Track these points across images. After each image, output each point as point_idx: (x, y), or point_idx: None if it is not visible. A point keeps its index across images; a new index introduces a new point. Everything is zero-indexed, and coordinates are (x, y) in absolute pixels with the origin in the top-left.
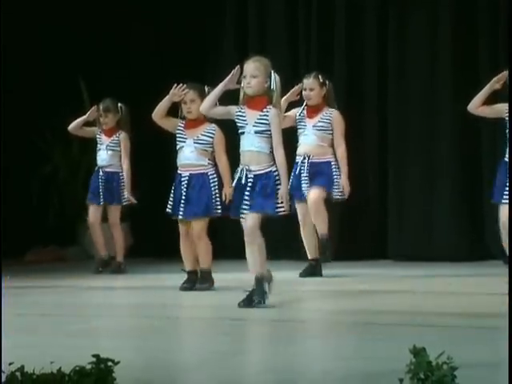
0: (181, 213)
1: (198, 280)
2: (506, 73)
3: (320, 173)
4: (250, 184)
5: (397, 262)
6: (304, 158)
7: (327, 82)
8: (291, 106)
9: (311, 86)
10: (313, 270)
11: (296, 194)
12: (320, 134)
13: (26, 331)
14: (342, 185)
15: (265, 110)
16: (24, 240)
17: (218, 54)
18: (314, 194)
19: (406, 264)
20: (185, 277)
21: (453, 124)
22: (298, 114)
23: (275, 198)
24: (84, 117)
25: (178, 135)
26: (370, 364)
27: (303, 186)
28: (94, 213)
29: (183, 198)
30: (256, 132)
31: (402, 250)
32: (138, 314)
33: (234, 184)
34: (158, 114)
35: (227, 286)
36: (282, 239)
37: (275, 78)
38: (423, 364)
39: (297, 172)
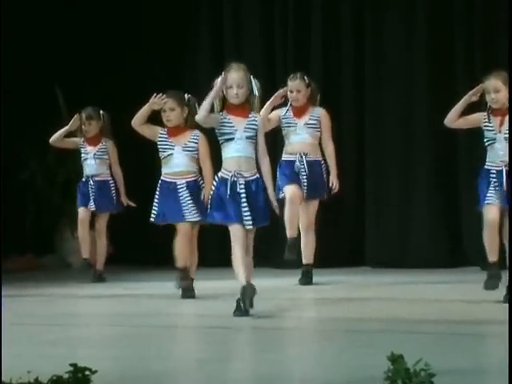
0: (188, 217)
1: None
2: (481, 86)
3: (315, 176)
4: (242, 191)
5: (375, 269)
6: (301, 157)
7: (311, 82)
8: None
9: (298, 87)
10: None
11: (291, 180)
12: (312, 132)
13: (2, 340)
14: (331, 182)
15: (251, 116)
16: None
17: (195, 55)
18: (313, 207)
19: (384, 271)
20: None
21: (430, 131)
22: (282, 115)
23: (268, 206)
24: (66, 127)
25: (162, 143)
26: (349, 371)
27: (302, 180)
28: (83, 215)
29: (185, 203)
30: (247, 138)
31: (380, 257)
32: (117, 322)
33: (215, 188)
34: (137, 121)
35: (210, 294)
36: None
37: (256, 84)
38: (401, 371)
39: (296, 170)
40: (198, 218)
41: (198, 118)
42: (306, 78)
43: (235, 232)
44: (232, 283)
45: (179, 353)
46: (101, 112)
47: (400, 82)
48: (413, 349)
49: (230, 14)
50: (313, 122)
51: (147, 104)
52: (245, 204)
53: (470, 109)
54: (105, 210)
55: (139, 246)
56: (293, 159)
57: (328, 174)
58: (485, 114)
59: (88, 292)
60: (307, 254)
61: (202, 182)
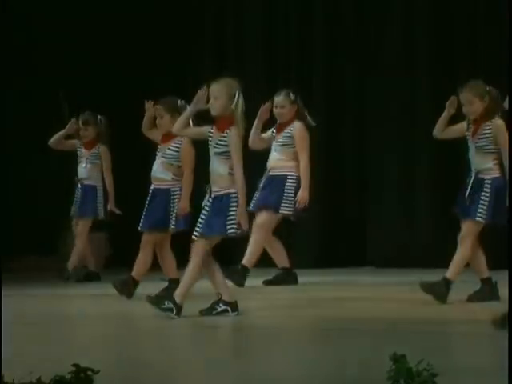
0: (140, 224)
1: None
2: (454, 98)
3: (272, 189)
4: (208, 205)
5: (377, 268)
6: (267, 172)
7: (298, 98)
8: (270, 124)
9: (282, 103)
10: (284, 279)
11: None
12: (280, 149)
13: (4, 341)
14: (298, 196)
15: (226, 130)
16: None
17: (197, 65)
18: (261, 218)
19: (386, 271)
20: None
21: (431, 130)
22: (272, 133)
23: (227, 218)
24: (64, 130)
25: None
26: (352, 371)
27: (255, 196)
28: (76, 225)
29: (144, 209)
30: (215, 153)
31: (382, 256)
32: (119, 323)
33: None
34: (144, 127)
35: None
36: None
37: (238, 99)
38: (403, 371)
39: (260, 185)
40: (146, 228)
41: (173, 129)
42: (291, 94)
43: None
44: (229, 283)
45: (181, 354)
46: (99, 117)
47: (403, 91)
48: (415, 348)
49: (232, 26)
50: (283, 139)
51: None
52: (202, 216)
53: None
54: (85, 217)
55: (137, 248)
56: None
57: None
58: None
59: (89, 292)
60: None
61: (174, 191)
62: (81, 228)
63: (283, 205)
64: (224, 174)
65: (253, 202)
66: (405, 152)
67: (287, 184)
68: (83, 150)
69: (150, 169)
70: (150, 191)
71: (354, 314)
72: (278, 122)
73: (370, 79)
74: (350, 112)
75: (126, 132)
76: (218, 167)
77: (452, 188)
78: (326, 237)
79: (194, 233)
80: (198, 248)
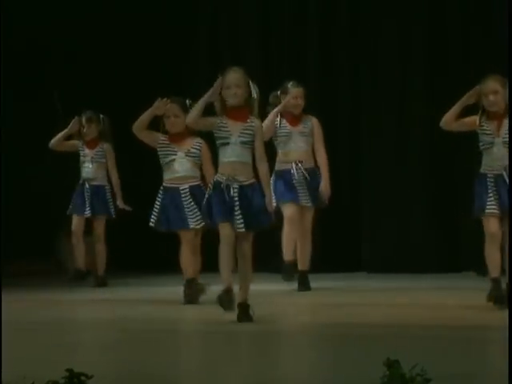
0: (192, 225)
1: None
2: (478, 88)
3: (313, 184)
4: (236, 195)
5: (371, 274)
6: (297, 165)
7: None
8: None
9: (300, 94)
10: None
11: (289, 197)
12: (306, 140)
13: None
14: (321, 190)
15: (249, 120)
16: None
17: (193, 61)
18: (309, 214)
19: (380, 276)
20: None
21: (427, 136)
22: (278, 124)
23: (266, 211)
24: (65, 130)
25: (164, 149)
26: (346, 377)
27: (299, 191)
28: (77, 224)
29: (189, 208)
30: (242, 143)
31: (376, 262)
32: (113, 327)
33: (211, 192)
34: (140, 126)
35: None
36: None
37: (255, 88)
38: (397, 376)
39: (293, 179)
40: (200, 225)
41: (188, 119)
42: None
43: (222, 232)
44: (235, 288)
45: (174, 358)
46: (101, 116)
47: (398, 91)
48: (409, 354)
49: (227, 25)
50: (307, 130)
51: (150, 109)
52: (237, 207)
53: (465, 112)
54: (101, 214)
55: (140, 251)
56: (288, 168)
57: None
58: (482, 117)
59: (87, 296)
60: (303, 260)
61: (205, 187)
62: (99, 230)
63: (317, 198)
64: (250, 163)
65: (301, 195)
66: (399, 157)
67: (318, 178)
68: (86, 150)
69: (146, 169)
70: (184, 190)
71: (348, 319)
72: (291, 113)
73: (365, 81)
74: (344, 113)
75: (125, 131)
76: (244, 156)
77: (447, 193)
78: (319, 242)
79: (239, 226)
80: (249, 241)
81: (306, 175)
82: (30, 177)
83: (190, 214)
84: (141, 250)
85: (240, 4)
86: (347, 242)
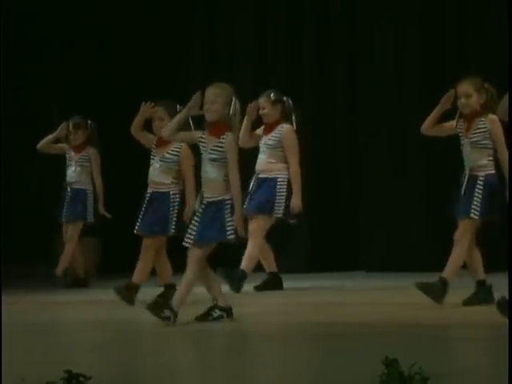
0: (136, 227)
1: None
2: (452, 92)
3: (264, 192)
4: (201, 212)
5: (368, 273)
6: (256, 175)
7: (285, 99)
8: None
9: (263, 104)
10: (272, 284)
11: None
12: (269, 152)
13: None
14: (291, 205)
15: (222, 136)
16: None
17: (188, 67)
18: (256, 222)
19: (378, 275)
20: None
21: (423, 136)
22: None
23: (222, 226)
24: (53, 134)
25: (151, 152)
26: (344, 376)
27: (248, 202)
28: (65, 229)
29: (141, 213)
30: (210, 159)
31: (374, 261)
32: (111, 328)
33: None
34: (134, 129)
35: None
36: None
37: (235, 104)
38: (395, 375)
39: (249, 189)
40: (145, 232)
41: (163, 132)
42: (273, 95)
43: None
44: (224, 288)
45: (171, 358)
46: (88, 121)
47: (393, 92)
48: (407, 353)
49: (223, 29)
50: (272, 141)
51: (139, 112)
52: (195, 222)
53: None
54: (75, 221)
55: (129, 253)
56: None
57: (290, 192)
58: (460, 119)
59: (78, 298)
60: (268, 263)
61: (173, 195)
62: (71, 232)
63: (276, 208)
64: (219, 180)
65: (245, 206)
66: (396, 157)
67: (278, 187)
68: (72, 154)
69: (140, 173)
70: (148, 195)
71: (346, 318)
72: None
73: (360, 84)
74: (341, 113)
75: (115, 136)
76: (211, 173)
77: (444, 192)
78: (316, 241)
79: (187, 240)
80: (194, 255)
81: (255, 185)
82: (27, 178)
83: (147, 219)
84: (138, 251)
85: (236, 7)
86: (345, 240)
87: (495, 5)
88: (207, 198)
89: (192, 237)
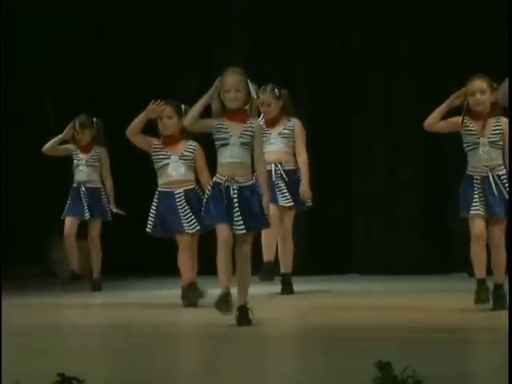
0: (187, 229)
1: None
2: (464, 89)
3: (292, 185)
4: (235, 196)
5: (362, 276)
6: (276, 166)
7: (283, 92)
8: None
9: (268, 101)
10: (271, 273)
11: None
12: (286, 142)
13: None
14: (301, 193)
15: (248, 122)
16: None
17: (185, 67)
18: (289, 216)
19: (372, 278)
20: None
21: (417, 136)
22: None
23: (262, 211)
24: (60, 136)
25: (157, 153)
26: (337, 379)
27: (278, 192)
28: (70, 226)
29: (184, 213)
30: (242, 144)
31: (368, 264)
32: (110, 331)
33: (209, 194)
34: (134, 130)
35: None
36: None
37: (253, 88)
38: (389, 378)
39: (272, 180)
40: (196, 229)
41: (185, 121)
42: (276, 89)
43: (220, 233)
44: (234, 291)
45: (167, 362)
46: (94, 120)
47: (388, 92)
48: (400, 356)
49: (219, 30)
50: (287, 131)
51: (144, 112)
52: (237, 209)
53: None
54: (98, 217)
55: (135, 255)
56: (268, 169)
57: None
58: (466, 117)
59: (83, 301)
60: (285, 263)
61: (200, 191)
62: (95, 232)
63: (298, 199)
64: (249, 164)
65: (281, 197)
66: (390, 159)
67: (299, 179)
68: (81, 155)
69: (145, 173)
70: (178, 194)
71: (339, 322)
72: (263, 117)
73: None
74: (337, 113)
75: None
76: (243, 157)
77: (437, 195)
78: (310, 244)
79: (238, 227)
80: (248, 241)
81: (285, 176)
82: (25, 180)
83: (185, 218)
84: (136, 253)
85: (231, 7)
86: (339, 243)
87: (489, 4)
88: (240, 182)
89: (242, 222)
